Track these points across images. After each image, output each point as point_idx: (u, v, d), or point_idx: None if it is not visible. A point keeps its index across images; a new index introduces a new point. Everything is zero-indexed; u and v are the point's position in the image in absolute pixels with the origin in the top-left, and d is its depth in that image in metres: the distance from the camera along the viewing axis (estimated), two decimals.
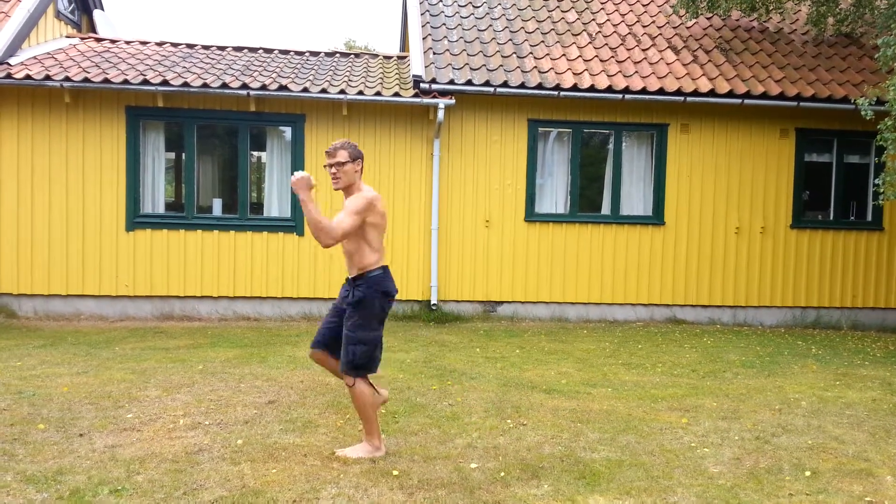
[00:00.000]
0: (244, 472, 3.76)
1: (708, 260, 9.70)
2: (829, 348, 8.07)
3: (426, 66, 9.33)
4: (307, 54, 10.97)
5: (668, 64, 9.84)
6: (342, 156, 3.93)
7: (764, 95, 9.38)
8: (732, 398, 5.62)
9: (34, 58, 9.22)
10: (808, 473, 3.96)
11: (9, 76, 8.45)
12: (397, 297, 9.94)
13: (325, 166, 3.99)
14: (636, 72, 9.60)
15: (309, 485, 3.60)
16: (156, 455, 3.97)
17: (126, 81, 8.57)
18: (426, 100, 8.91)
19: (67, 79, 8.49)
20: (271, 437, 4.33)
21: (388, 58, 11.19)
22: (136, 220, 8.98)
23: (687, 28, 10.78)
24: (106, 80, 8.55)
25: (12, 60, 8.97)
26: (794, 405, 5.45)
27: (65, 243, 8.88)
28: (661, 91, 9.26)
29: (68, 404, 4.94)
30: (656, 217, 9.64)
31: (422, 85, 9.02)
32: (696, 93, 9.30)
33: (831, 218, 9.98)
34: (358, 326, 3.91)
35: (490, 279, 9.45)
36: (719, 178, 9.71)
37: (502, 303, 9.51)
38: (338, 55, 11.11)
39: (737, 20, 11.06)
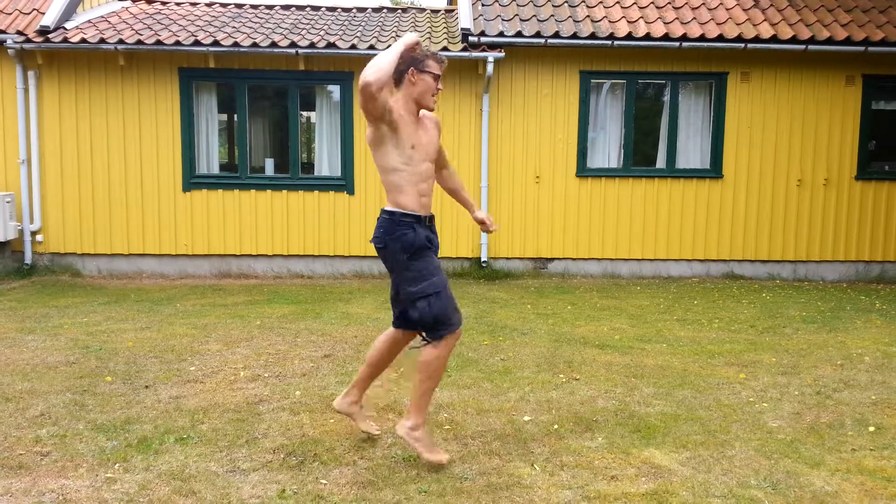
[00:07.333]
0: (303, 421, 3.86)
1: (768, 213, 9.41)
2: (893, 303, 7.79)
3: (475, 19, 9.15)
4: (354, 11, 10.87)
5: (727, 9, 9.42)
6: None
7: (829, 41, 8.92)
8: (792, 353, 5.49)
9: (89, 21, 9.37)
10: (871, 429, 3.86)
11: (65, 40, 8.61)
12: (447, 254, 9.82)
13: (438, 89, 3.30)
14: (694, 18, 9.24)
15: (366, 434, 3.67)
16: (218, 405, 4.11)
17: (178, 43, 8.65)
18: (475, 53, 8.75)
19: (121, 41, 8.62)
20: (328, 390, 4.42)
21: (435, 12, 11.01)
22: (192, 180, 9.15)
23: None
24: (158, 42, 8.64)
25: (68, 25, 9.13)
26: (857, 360, 5.30)
27: (125, 204, 9.12)
28: (720, 38, 8.90)
29: (133, 358, 5.13)
30: (714, 170, 9.36)
31: (470, 38, 8.86)
32: (757, 39, 8.90)
33: None
34: None
35: (540, 236, 9.37)
36: (781, 128, 9.34)
37: (553, 259, 9.43)
38: (385, 10, 10.99)
39: None
